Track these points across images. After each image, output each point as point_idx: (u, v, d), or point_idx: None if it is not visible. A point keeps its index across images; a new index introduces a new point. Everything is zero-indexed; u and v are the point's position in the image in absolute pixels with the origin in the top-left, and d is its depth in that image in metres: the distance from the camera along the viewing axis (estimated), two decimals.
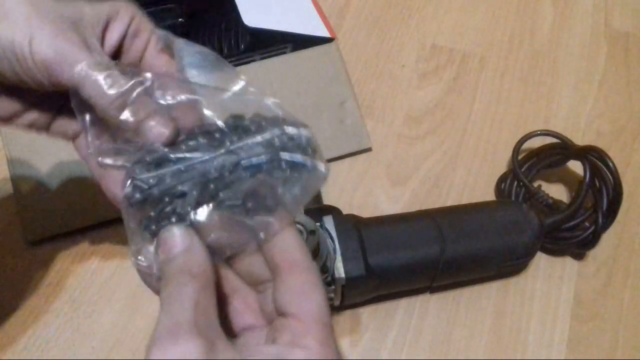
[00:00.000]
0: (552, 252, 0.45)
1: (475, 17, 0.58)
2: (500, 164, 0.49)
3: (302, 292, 0.24)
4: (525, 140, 0.47)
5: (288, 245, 0.25)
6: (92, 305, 0.42)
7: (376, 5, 0.58)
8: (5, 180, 0.45)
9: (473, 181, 0.48)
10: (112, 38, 0.28)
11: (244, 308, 0.27)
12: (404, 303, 0.43)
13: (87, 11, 0.27)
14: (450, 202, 0.47)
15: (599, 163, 0.42)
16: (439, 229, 0.40)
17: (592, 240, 0.43)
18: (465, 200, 0.47)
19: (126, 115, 0.26)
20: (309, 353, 0.23)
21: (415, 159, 0.49)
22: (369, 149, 0.49)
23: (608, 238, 0.45)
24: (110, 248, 0.44)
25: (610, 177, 0.42)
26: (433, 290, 0.43)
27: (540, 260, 0.45)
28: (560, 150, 0.46)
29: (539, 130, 0.47)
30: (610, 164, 0.42)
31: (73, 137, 0.31)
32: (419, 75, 0.54)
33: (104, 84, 0.25)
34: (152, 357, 0.21)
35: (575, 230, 0.43)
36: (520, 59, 0.55)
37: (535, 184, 0.45)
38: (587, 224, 0.43)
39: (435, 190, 0.48)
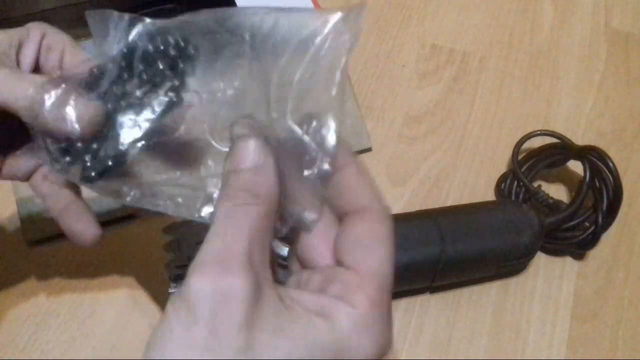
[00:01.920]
0: (552, 252, 0.45)
1: (475, 17, 0.58)
2: (500, 164, 0.49)
3: (365, 243, 0.22)
4: (525, 140, 0.47)
5: (352, 187, 0.23)
6: (92, 305, 0.42)
7: (376, 5, 0.58)
8: (5, 180, 0.45)
9: (473, 181, 0.48)
10: (27, 58, 0.29)
11: (315, 242, 0.24)
12: (404, 303, 0.43)
13: None
14: (450, 202, 0.47)
15: (599, 163, 0.42)
16: (439, 229, 0.40)
17: (592, 240, 0.43)
18: (465, 200, 0.47)
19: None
20: (355, 312, 0.20)
21: (415, 159, 0.49)
22: (369, 149, 0.49)
23: (608, 238, 0.45)
24: (111, 248, 0.44)
25: (610, 177, 0.42)
26: (433, 290, 0.43)
27: (540, 260, 0.45)
28: (560, 150, 0.46)
29: (539, 130, 0.47)
30: (610, 164, 0.42)
31: (25, 178, 0.31)
32: (419, 75, 0.54)
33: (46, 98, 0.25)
34: (193, 281, 0.19)
35: (575, 230, 0.43)
36: (520, 59, 0.55)
37: (535, 184, 0.45)
38: (587, 224, 0.43)
39: (435, 190, 0.48)
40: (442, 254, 0.39)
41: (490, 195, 0.48)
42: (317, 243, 0.24)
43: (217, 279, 0.19)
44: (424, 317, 0.42)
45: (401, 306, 0.43)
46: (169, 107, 0.24)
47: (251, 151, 0.22)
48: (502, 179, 0.47)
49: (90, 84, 0.26)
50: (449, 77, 0.54)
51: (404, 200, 0.47)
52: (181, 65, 0.24)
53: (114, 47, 0.25)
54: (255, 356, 0.18)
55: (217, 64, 0.24)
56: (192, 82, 0.25)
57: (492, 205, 0.44)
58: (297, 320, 0.20)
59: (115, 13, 0.25)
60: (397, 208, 0.47)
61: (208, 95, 0.24)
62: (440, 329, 0.42)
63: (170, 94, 0.24)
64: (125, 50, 0.25)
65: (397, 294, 0.42)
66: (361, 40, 0.56)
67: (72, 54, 0.30)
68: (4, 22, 0.49)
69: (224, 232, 0.20)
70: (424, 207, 0.43)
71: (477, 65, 0.54)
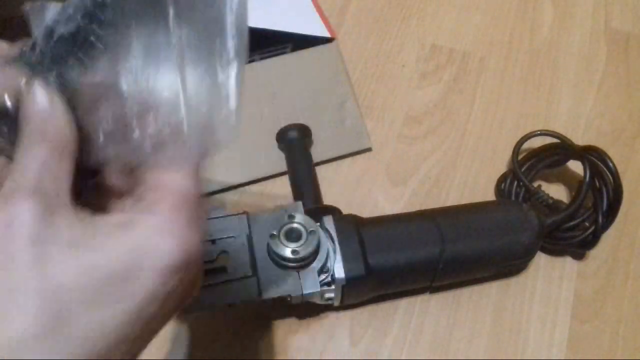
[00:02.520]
0: (552, 252, 0.45)
1: (475, 17, 0.58)
2: (500, 164, 0.49)
3: (169, 167, 0.23)
4: (525, 140, 0.47)
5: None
6: None
7: (376, 5, 0.58)
8: None
9: (473, 181, 0.48)
10: None
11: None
12: (404, 303, 0.43)
13: None
14: (450, 202, 0.47)
15: (599, 163, 0.42)
16: (438, 229, 0.40)
17: (592, 240, 0.43)
18: (465, 200, 0.47)
19: None
20: (154, 217, 0.21)
21: (415, 159, 0.49)
22: (369, 149, 0.49)
23: (608, 238, 0.45)
24: None
25: (610, 177, 0.42)
26: (433, 290, 0.43)
27: (540, 260, 0.45)
28: (560, 150, 0.46)
29: (539, 130, 0.47)
30: (610, 164, 0.42)
31: None
32: (419, 75, 0.54)
33: None
34: None
35: (575, 230, 0.43)
36: (520, 59, 0.55)
37: (535, 184, 0.45)
38: (587, 224, 0.43)
39: (435, 190, 0.48)
40: (442, 254, 0.39)
41: (490, 195, 0.48)
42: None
43: (2, 208, 0.20)
44: (424, 317, 0.42)
45: (401, 306, 0.43)
46: (74, 77, 0.26)
47: (37, 98, 0.23)
48: (502, 179, 0.47)
49: (20, 57, 0.28)
50: (449, 77, 0.54)
51: (404, 200, 0.47)
52: (92, 38, 0.26)
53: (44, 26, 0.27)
54: (48, 268, 0.20)
55: (132, 38, 0.25)
56: (104, 56, 0.26)
57: (492, 205, 0.44)
58: (96, 233, 0.21)
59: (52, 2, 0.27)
60: (397, 208, 0.47)
61: (119, 69, 0.25)
62: (440, 329, 0.42)
63: (77, 64, 0.26)
64: (48, 24, 0.27)
65: (397, 294, 0.42)
66: (361, 40, 0.56)
67: None
68: (4, 22, 0.49)
69: (15, 170, 0.22)
70: (424, 207, 0.43)
71: (477, 65, 0.54)
